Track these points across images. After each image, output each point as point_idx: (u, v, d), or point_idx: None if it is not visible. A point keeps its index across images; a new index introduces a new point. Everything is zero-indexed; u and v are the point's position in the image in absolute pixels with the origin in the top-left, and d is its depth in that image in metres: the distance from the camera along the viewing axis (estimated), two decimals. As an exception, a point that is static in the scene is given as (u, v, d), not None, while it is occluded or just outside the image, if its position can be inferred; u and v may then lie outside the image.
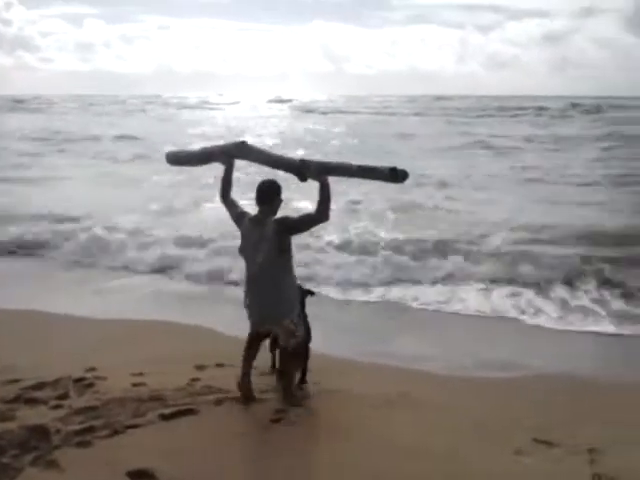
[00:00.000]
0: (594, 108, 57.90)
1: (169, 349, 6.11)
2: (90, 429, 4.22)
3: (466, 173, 18.68)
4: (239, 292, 5.05)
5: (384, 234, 10.81)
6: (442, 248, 9.66)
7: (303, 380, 5.13)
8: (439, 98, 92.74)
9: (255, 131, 35.08)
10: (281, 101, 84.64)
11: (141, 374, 5.32)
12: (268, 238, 4.47)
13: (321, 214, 4.47)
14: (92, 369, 5.39)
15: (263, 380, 5.17)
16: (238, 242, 4.75)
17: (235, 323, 5.56)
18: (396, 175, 4.37)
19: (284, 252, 4.54)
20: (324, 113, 56.44)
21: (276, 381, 5.03)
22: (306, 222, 4.56)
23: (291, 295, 4.69)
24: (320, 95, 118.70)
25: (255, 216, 4.64)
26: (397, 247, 9.74)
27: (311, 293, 5.20)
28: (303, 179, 4.63)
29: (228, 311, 7.25)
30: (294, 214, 4.71)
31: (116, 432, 4.22)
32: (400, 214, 12.77)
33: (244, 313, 4.83)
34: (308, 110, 61.40)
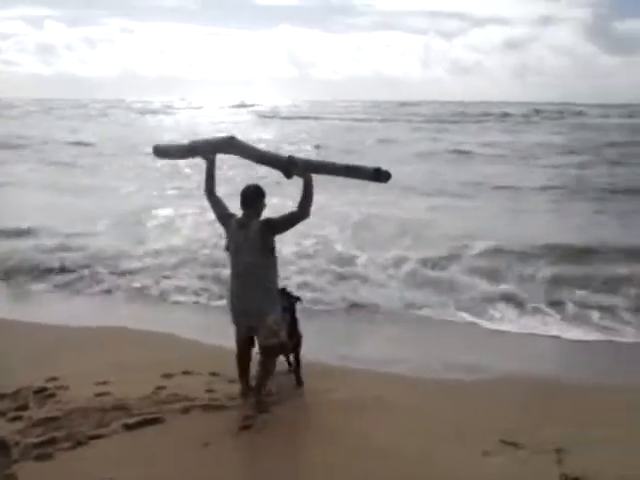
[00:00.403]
0: (556, 114, 59.35)
1: (133, 356, 5.98)
2: (51, 441, 4.10)
3: (437, 180, 18.79)
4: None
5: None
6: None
7: (299, 383, 5.22)
8: (404, 104, 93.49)
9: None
10: (244, 106, 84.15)
11: (105, 383, 5.20)
12: (253, 239, 4.60)
13: (303, 211, 4.63)
14: (53, 379, 5.25)
15: (232, 387, 5.10)
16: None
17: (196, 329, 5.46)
18: (379, 175, 4.53)
19: (269, 252, 4.69)
20: (287, 118, 56.17)
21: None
22: (289, 220, 4.67)
23: (275, 293, 4.81)
24: (285, 100, 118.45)
25: (241, 218, 4.75)
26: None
27: (298, 299, 5.34)
28: (289, 176, 4.74)
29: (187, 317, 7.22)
30: (276, 214, 4.78)
31: (78, 443, 4.11)
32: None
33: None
34: (270, 115, 61.14)
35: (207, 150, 5.03)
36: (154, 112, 67.01)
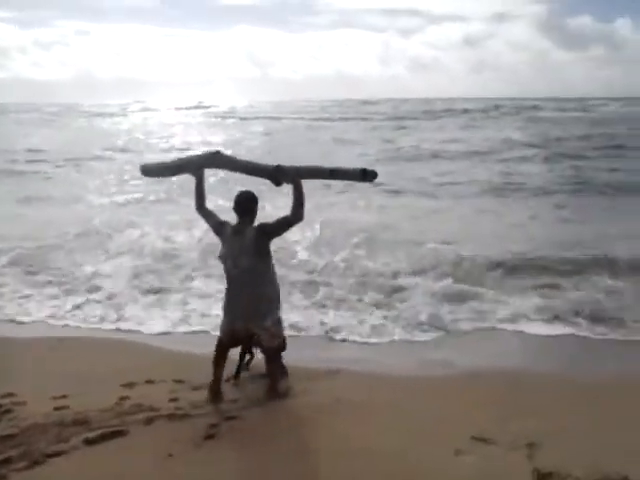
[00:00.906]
0: (514, 109, 60.36)
1: (93, 366, 5.79)
2: (6, 460, 3.89)
3: (398, 179, 18.09)
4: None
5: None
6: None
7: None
8: (365, 102, 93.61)
9: (162, 140, 34.09)
10: (201, 107, 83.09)
11: (64, 396, 4.99)
12: (249, 245, 4.70)
13: (296, 215, 4.72)
14: (9, 395, 5.02)
15: (196, 395, 4.97)
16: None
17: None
18: (366, 175, 4.70)
19: (265, 256, 4.80)
20: (244, 119, 55.26)
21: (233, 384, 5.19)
22: (283, 224, 4.75)
23: (272, 296, 4.90)
24: (244, 100, 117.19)
25: (236, 225, 4.85)
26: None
27: None
28: (278, 184, 4.91)
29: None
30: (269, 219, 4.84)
31: (36, 462, 3.90)
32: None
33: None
34: (226, 116, 60.36)
35: (194, 166, 5.13)
36: (106, 115, 64.11)
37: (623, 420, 4.66)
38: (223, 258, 4.85)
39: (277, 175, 4.84)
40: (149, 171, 5.61)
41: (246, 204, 4.83)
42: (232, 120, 54.94)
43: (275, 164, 4.90)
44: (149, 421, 4.52)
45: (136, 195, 16.38)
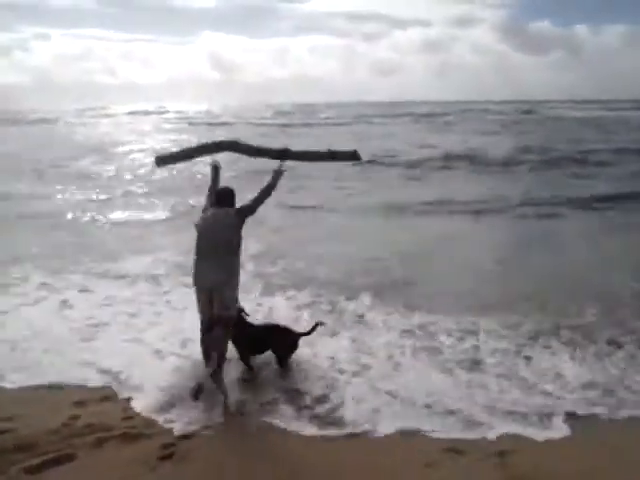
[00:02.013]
0: (480, 112, 61.58)
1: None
2: None
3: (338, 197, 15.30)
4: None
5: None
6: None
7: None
8: (329, 105, 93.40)
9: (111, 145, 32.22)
10: (160, 112, 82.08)
11: (9, 419, 4.63)
12: (228, 222, 5.23)
13: (269, 190, 5.38)
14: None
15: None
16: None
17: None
18: (357, 155, 5.57)
19: (237, 237, 5.25)
20: (195, 124, 53.74)
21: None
22: (258, 198, 5.33)
23: (235, 272, 5.24)
24: (208, 105, 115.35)
25: (217, 208, 5.39)
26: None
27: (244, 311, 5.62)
28: (283, 161, 5.56)
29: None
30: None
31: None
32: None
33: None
34: (179, 122, 59.25)
35: (211, 149, 5.67)
36: (48, 122, 59.17)
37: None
38: (198, 227, 5.29)
39: (284, 155, 5.53)
40: (164, 159, 5.86)
41: (227, 197, 5.44)
42: (184, 125, 53.56)
43: (283, 147, 5.60)
44: (99, 443, 4.23)
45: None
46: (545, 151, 23.70)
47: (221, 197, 5.47)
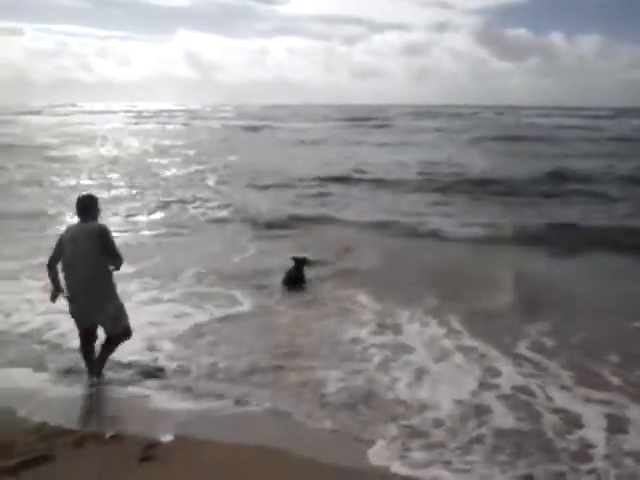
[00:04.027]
0: (467, 115, 62.62)
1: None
2: None
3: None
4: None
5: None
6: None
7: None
8: (309, 106, 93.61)
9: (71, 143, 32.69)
10: (132, 111, 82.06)
11: (-14, 418, 4.54)
12: (91, 236, 4.98)
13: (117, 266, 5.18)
14: None
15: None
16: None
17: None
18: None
19: (104, 253, 5.03)
20: (186, 124, 54.07)
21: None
22: (114, 253, 5.09)
23: (109, 290, 5.15)
24: (185, 104, 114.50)
25: (76, 224, 5.16)
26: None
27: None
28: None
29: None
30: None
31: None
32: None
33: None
34: (151, 121, 59.91)
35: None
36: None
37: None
38: (64, 245, 5.04)
39: None
40: None
41: (88, 205, 5.16)
42: (153, 125, 53.79)
43: None
44: (78, 443, 4.15)
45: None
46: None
47: (82, 207, 5.17)
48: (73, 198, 5.64)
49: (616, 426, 4.50)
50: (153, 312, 6.98)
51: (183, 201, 15.19)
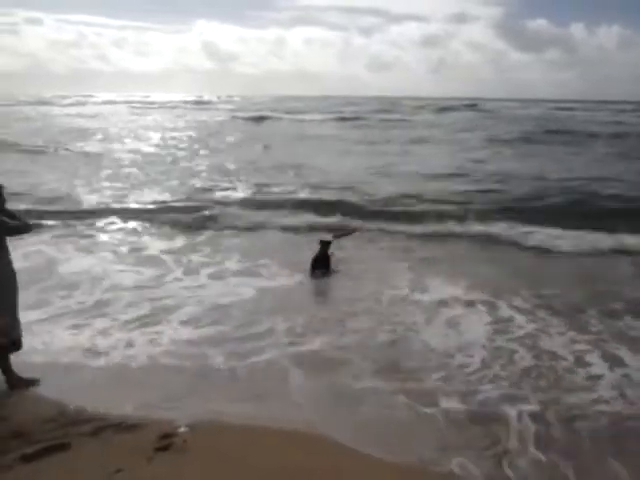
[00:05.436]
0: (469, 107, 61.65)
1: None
2: None
3: None
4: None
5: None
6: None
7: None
8: (326, 98, 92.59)
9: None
10: (148, 102, 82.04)
11: (3, 405, 4.60)
12: None
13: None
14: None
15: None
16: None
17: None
18: None
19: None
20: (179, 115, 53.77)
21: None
22: (13, 228, 4.75)
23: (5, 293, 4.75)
24: (204, 94, 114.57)
25: None
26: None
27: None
28: None
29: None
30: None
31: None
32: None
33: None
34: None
35: None
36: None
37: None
38: None
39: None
40: None
41: None
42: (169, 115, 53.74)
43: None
44: (95, 432, 4.16)
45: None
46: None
47: None
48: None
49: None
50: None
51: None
